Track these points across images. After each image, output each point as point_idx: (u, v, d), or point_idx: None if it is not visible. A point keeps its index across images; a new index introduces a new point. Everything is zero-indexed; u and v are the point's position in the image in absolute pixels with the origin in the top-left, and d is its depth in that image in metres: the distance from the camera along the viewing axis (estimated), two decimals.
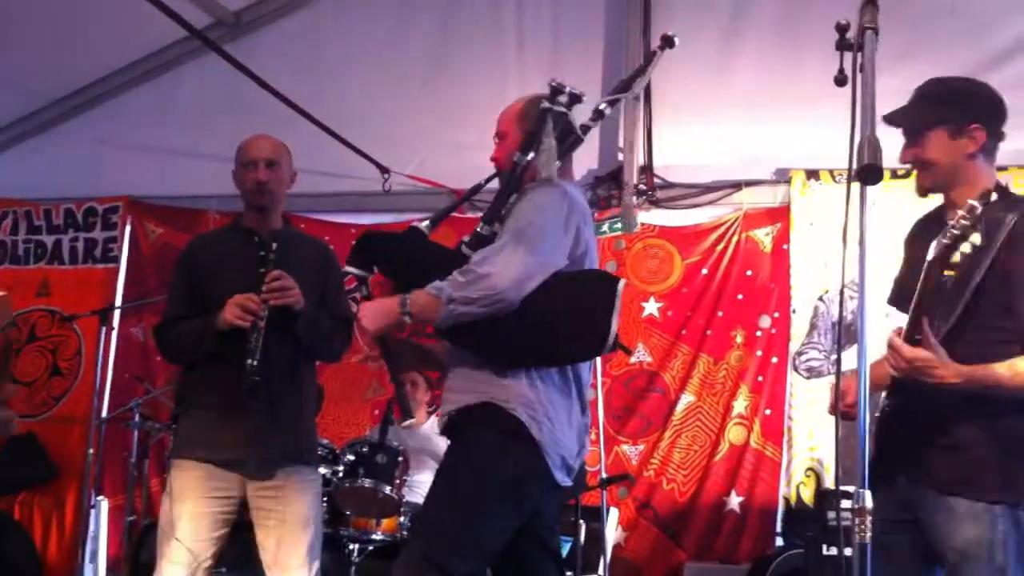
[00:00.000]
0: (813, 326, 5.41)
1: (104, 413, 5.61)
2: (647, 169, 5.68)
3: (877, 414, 2.53)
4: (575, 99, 2.81)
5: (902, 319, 2.46)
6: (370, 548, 4.50)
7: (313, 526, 3.21)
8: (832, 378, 5.27)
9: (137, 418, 5.33)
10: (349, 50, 5.86)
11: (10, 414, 4.03)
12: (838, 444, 2.34)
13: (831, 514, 4.66)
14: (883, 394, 2.53)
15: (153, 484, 5.78)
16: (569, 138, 2.80)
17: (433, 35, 5.81)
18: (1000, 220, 2.32)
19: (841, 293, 2.71)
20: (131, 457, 5.49)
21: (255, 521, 3.20)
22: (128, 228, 6.39)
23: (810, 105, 4.97)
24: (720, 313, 5.56)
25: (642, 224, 5.67)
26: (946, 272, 2.32)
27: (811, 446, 5.28)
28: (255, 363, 3.00)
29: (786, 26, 5.31)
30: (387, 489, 4.25)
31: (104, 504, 5.49)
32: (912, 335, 2.32)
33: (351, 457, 4.35)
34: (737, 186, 5.62)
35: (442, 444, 2.90)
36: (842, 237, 2.05)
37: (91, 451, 5.10)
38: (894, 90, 2.42)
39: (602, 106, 2.87)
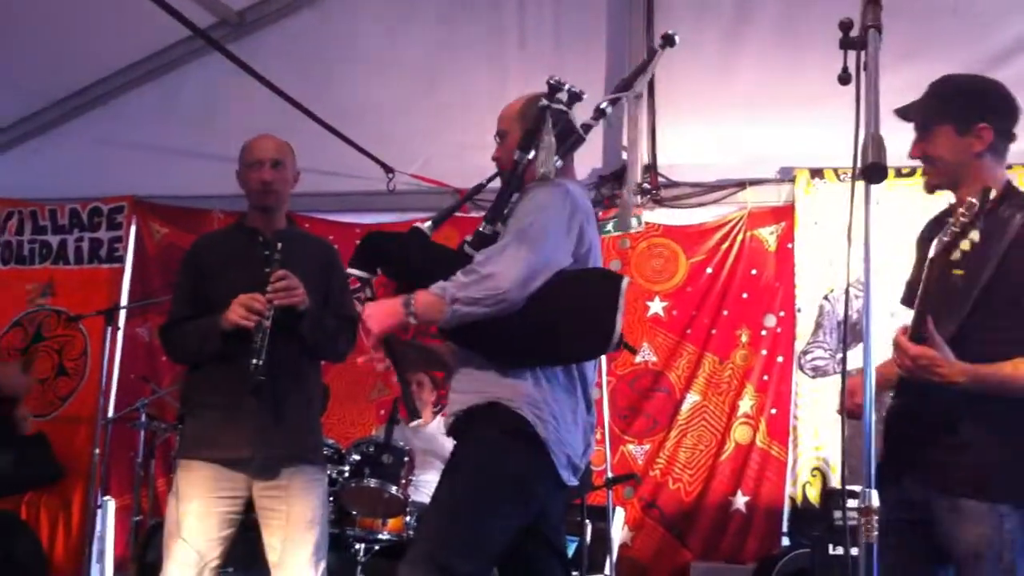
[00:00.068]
0: (818, 325, 5.40)
1: (110, 413, 5.62)
2: (651, 168, 5.68)
3: (884, 414, 2.53)
4: (574, 97, 2.80)
5: (909, 318, 2.45)
6: (376, 548, 4.51)
7: (319, 526, 3.21)
8: (838, 377, 5.27)
9: (143, 418, 5.34)
10: (353, 49, 5.86)
11: (25, 412, 4.06)
12: (844, 443, 2.34)
13: (837, 514, 4.65)
14: (890, 393, 2.52)
15: (159, 484, 5.79)
16: (570, 136, 2.79)
17: (436, 34, 5.81)
18: (1009, 220, 2.31)
19: (846, 292, 2.71)
20: (137, 457, 5.51)
21: (261, 521, 3.20)
22: (133, 228, 6.41)
23: (814, 104, 4.96)
24: (725, 312, 5.56)
25: (646, 223, 5.66)
26: (955, 272, 2.31)
27: (817, 445, 5.28)
28: (260, 363, 3.00)
29: (789, 25, 5.30)
30: (393, 489, 4.25)
31: (111, 504, 5.50)
32: (917, 333, 2.31)
33: (357, 457, 4.36)
34: (741, 185, 5.62)
35: (448, 444, 2.90)
36: (847, 236, 2.05)
37: (97, 451, 5.12)
38: (897, 89, 2.42)
39: (603, 105, 2.86)
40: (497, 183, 2.90)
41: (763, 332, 5.50)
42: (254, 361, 3.00)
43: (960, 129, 2.49)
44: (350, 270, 2.84)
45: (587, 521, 4.57)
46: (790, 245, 5.50)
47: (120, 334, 5.95)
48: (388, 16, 5.84)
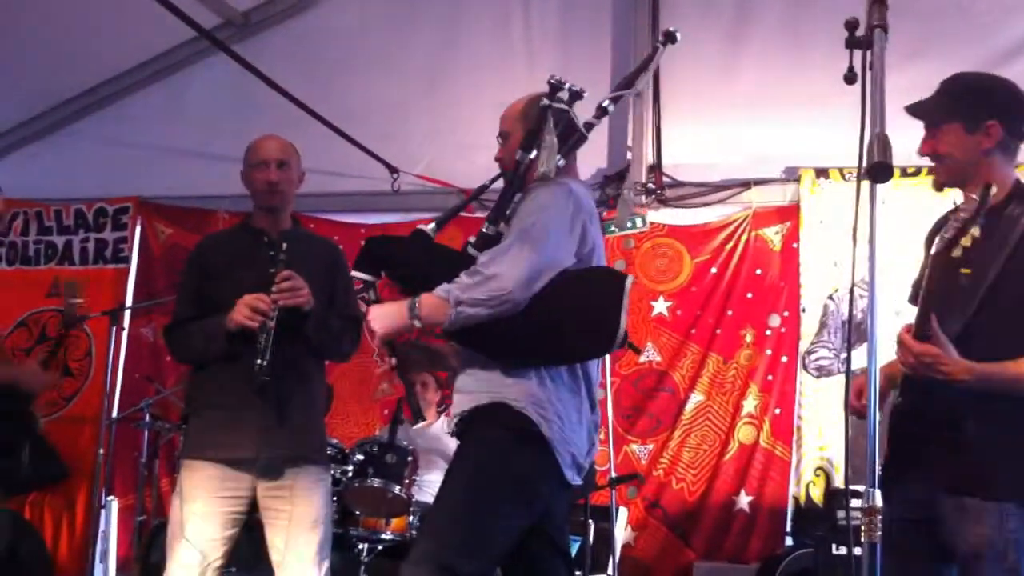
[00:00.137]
0: (823, 325, 5.40)
1: (114, 413, 5.63)
2: (656, 168, 5.67)
3: (888, 413, 2.53)
4: (575, 95, 2.80)
5: (914, 317, 2.45)
6: (379, 548, 4.51)
7: (323, 526, 3.21)
8: (842, 377, 5.27)
9: (147, 418, 5.35)
10: (358, 50, 5.87)
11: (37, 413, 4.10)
12: (848, 443, 2.34)
13: (841, 513, 4.65)
14: (894, 392, 2.52)
15: (163, 484, 5.81)
16: (573, 135, 2.79)
17: (441, 34, 5.81)
18: (1017, 219, 2.31)
19: (851, 292, 2.70)
20: (141, 457, 5.52)
21: (265, 521, 3.20)
22: (138, 229, 6.43)
23: (819, 103, 4.95)
24: (729, 312, 5.55)
25: (651, 223, 5.66)
26: (962, 271, 2.31)
27: (821, 445, 5.27)
28: (265, 363, 3.00)
29: (794, 24, 5.30)
30: (396, 489, 4.25)
31: (114, 504, 5.51)
32: (921, 331, 2.31)
33: (360, 457, 4.35)
34: (746, 185, 5.61)
35: (452, 443, 2.90)
36: (852, 235, 2.04)
37: (101, 451, 5.12)
38: (902, 89, 2.42)
39: (605, 103, 2.86)
40: (501, 183, 2.90)
41: (767, 332, 5.49)
42: (259, 361, 3.00)
43: (969, 127, 2.49)
44: (354, 273, 2.85)
45: (590, 521, 4.57)
46: (795, 245, 5.49)
47: (125, 334, 5.96)
48: (393, 16, 5.84)
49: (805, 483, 5.27)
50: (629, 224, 5.44)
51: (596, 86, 2.90)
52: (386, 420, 5.41)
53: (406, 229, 3.38)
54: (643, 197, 5.61)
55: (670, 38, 2.94)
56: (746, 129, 5.50)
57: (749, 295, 5.56)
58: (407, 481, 4.33)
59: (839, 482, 5.16)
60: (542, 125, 2.74)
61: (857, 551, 1.92)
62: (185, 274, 3.41)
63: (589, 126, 2.84)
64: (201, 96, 6.12)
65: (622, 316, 2.58)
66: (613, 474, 4.75)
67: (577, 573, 4.16)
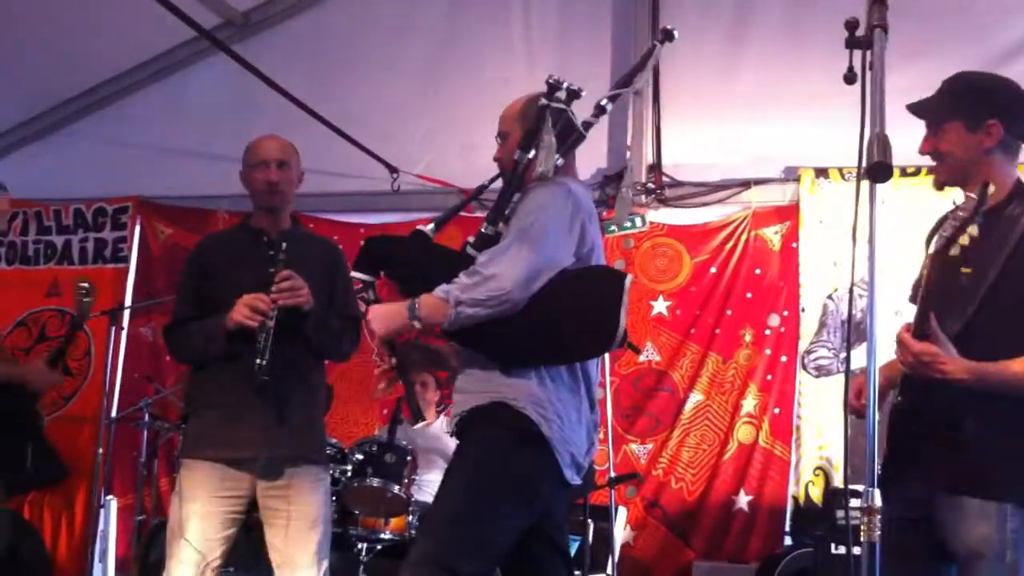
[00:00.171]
0: (822, 324, 5.40)
1: (114, 413, 5.63)
2: (656, 168, 5.68)
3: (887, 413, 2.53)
4: (573, 95, 2.80)
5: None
6: (379, 547, 4.51)
7: (322, 525, 3.21)
8: (841, 377, 5.27)
9: (147, 418, 5.35)
10: (357, 50, 5.87)
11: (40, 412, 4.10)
12: (847, 443, 2.34)
13: (840, 513, 4.65)
14: (893, 391, 2.52)
15: (162, 484, 5.81)
16: (571, 135, 2.79)
17: (441, 34, 5.82)
18: (1018, 218, 2.31)
19: (850, 291, 2.70)
20: (140, 457, 5.52)
21: (264, 520, 3.20)
22: (138, 228, 6.43)
23: (819, 103, 4.96)
24: (729, 312, 5.55)
25: (651, 223, 5.66)
26: (962, 270, 2.31)
27: (820, 445, 5.28)
28: (264, 363, 3.00)
29: (794, 23, 5.30)
30: (396, 488, 4.26)
31: (113, 504, 5.50)
32: (920, 330, 2.31)
33: (360, 456, 4.36)
34: (746, 184, 5.61)
35: (451, 443, 2.90)
36: (851, 235, 2.04)
37: (101, 451, 5.11)
38: (902, 89, 2.42)
39: (603, 102, 2.86)
40: (500, 183, 2.90)
41: (767, 332, 5.49)
42: (258, 361, 3.00)
43: (970, 126, 2.49)
44: (353, 273, 2.85)
45: (589, 520, 4.56)
46: (794, 244, 5.49)
47: (124, 334, 5.96)
48: (393, 16, 5.85)
49: (804, 483, 5.27)
50: (628, 224, 5.44)
51: (596, 87, 2.90)
52: (385, 420, 5.40)
53: (406, 229, 3.37)
54: (643, 196, 5.61)
55: (668, 36, 2.94)
56: (746, 129, 5.50)
57: (748, 295, 5.56)
58: (406, 481, 4.33)
59: (838, 482, 5.17)
60: (540, 125, 2.74)
61: (856, 551, 1.92)
62: (185, 274, 3.41)
63: (587, 125, 2.84)
64: (201, 96, 6.12)
65: (622, 315, 2.58)
66: (612, 474, 4.75)
67: (576, 573, 4.16)
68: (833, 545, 4.49)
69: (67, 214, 6.54)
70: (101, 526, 5.30)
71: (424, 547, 2.58)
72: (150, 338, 6.22)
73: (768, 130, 5.46)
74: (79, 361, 6.31)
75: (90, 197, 6.50)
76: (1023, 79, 2.59)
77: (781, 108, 5.36)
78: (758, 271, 5.56)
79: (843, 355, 5.30)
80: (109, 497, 5.51)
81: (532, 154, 2.74)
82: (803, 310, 5.42)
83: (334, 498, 4.13)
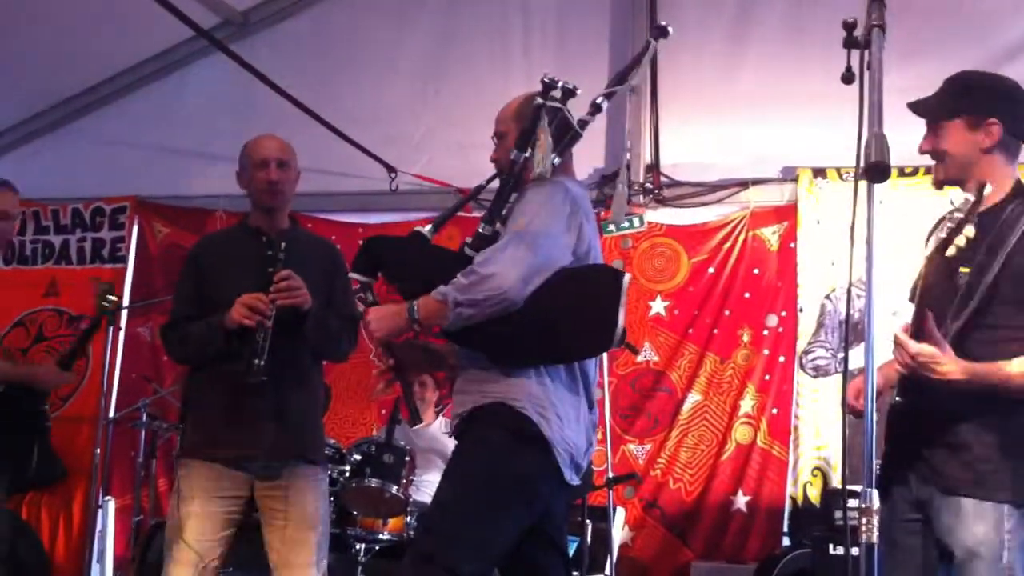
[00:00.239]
0: (820, 325, 5.40)
1: (112, 413, 5.61)
2: (654, 168, 5.68)
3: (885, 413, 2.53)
4: (568, 93, 2.80)
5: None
6: (377, 548, 4.51)
7: (320, 526, 3.21)
8: (839, 377, 5.27)
9: (145, 418, 5.34)
10: (356, 50, 5.87)
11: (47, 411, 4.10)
12: (845, 443, 2.34)
13: (838, 513, 4.66)
14: (891, 392, 2.52)
15: (160, 484, 5.80)
16: (567, 134, 2.79)
17: (439, 34, 5.82)
18: (1017, 218, 2.31)
19: (848, 291, 2.71)
20: (138, 457, 5.51)
21: (262, 521, 3.20)
22: (135, 228, 6.41)
23: (817, 103, 4.96)
24: (727, 312, 5.55)
25: (649, 223, 5.66)
26: (961, 270, 2.31)
27: (818, 445, 5.28)
28: (262, 363, 3.00)
29: (793, 24, 5.31)
30: (394, 489, 4.25)
31: (111, 504, 5.50)
32: (918, 330, 2.31)
33: (358, 457, 4.36)
34: (744, 184, 5.61)
35: (450, 443, 2.90)
36: (849, 235, 2.04)
37: (98, 451, 5.10)
38: (900, 89, 2.42)
39: (599, 99, 2.86)
40: (498, 183, 2.90)
41: (765, 332, 5.50)
42: (256, 361, 3.00)
43: (970, 124, 2.49)
44: (351, 275, 2.84)
45: (588, 521, 4.56)
46: (792, 245, 5.50)
47: (122, 334, 5.95)
48: (391, 16, 5.85)
49: (802, 483, 5.27)
50: (626, 224, 5.45)
51: (595, 87, 2.89)
52: (384, 420, 5.40)
53: (404, 229, 3.37)
54: (641, 196, 5.61)
55: (662, 32, 2.94)
56: (744, 129, 5.50)
57: (747, 295, 5.56)
58: (404, 481, 4.33)
59: (836, 482, 5.17)
60: (536, 124, 2.73)
61: (854, 551, 1.92)
62: (183, 274, 3.40)
63: (583, 123, 2.83)
64: (199, 96, 6.12)
65: (620, 314, 2.57)
66: (611, 474, 4.75)
67: (575, 573, 4.16)
68: (831, 545, 4.49)
69: (65, 214, 6.53)
70: (99, 526, 5.30)
71: (423, 547, 2.58)
72: (148, 338, 6.21)
73: (766, 130, 5.47)
74: (77, 361, 6.30)
75: (88, 197, 6.48)
76: (1023, 79, 2.59)
77: (780, 108, 5.36)
78: (756, 271, 5.57)
79: (841, 355, 5.30)
80: (107, 497, 5.50)
81: (529, 153, 2.74)
82: (801, 310, 5.42)
83: (332, 498, 4.13)
